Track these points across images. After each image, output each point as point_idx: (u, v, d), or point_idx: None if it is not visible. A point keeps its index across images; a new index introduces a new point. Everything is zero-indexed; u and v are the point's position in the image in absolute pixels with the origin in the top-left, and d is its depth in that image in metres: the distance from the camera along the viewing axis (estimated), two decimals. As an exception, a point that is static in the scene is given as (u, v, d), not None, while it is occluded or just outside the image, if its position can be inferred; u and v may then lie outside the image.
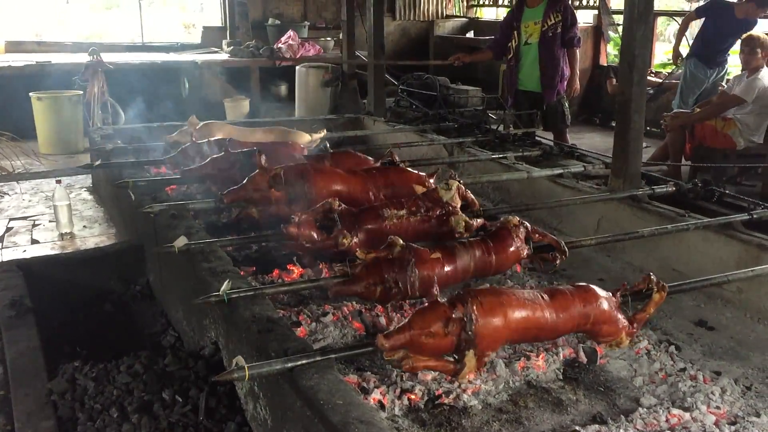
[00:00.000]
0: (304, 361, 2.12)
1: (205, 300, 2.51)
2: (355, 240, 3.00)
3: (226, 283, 2.48)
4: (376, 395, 2.48)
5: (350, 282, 2.69)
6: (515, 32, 6.24)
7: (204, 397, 2.48)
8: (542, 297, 2.48)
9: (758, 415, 2.48)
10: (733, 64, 7.43)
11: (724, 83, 6.94)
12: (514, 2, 6.48)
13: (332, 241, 3.01)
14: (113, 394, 2.53)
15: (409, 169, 3.72)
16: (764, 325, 3.28)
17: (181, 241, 2.66)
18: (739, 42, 6.25)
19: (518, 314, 2.36)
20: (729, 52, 7.06)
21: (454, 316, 2.25)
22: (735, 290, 3.42)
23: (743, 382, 2.75)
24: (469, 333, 2.26)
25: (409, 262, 2.68)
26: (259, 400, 2.36)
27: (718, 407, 2.51)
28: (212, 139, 4.46)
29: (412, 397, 2.53)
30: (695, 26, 7.75)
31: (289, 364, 2.10)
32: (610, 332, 2.57)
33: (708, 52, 6.91)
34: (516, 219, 2.94)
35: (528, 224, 2.95)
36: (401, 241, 2.70)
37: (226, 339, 2.67)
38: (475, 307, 2.28)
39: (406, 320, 2.29)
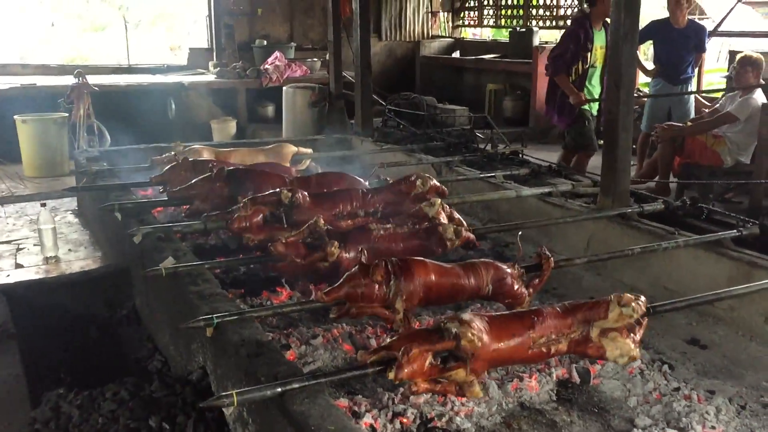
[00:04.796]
0: (294, 386, 2.07)
1: (191, 324, 2.46)
2: (346, 255, 2.98)
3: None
4: (368, 419, 2.44)
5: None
6: (588, 54, 6.21)
7: (192, 424, 2.42)
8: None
9: (753, 435, 2.45)
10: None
11: (692, 99, 6.99)
12: (576, 24, 6.36)
13: (321, 254, 2.98)
14: (98, 422, 2.47)
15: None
16: (756, 343, 3.27)
17: (168, 262, 2.61)
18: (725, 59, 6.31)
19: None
20: (692, 68, 7.07)
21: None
22: (727, 308, 3.41)
23: (737, 401, 2.73)
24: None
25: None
26: (248, 426, 2.31)
27: (713, 427, 2.49)
28: (197, 159, 4.45)
29: (405, 420, 2.48)
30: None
31: (279, 389, 2.06)
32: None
33: (668, 71, 6.95)
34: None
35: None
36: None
37: (214, 364, 2.62)
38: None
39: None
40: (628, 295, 2.42)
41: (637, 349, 2.40)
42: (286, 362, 2.37)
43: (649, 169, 6.58)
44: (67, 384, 2.84)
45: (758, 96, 5.89)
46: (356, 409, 2.49)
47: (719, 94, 6.82)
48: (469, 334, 2.16)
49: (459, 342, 2.17)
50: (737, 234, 3.66)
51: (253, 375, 2.23)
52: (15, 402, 2.64)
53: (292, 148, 5.10)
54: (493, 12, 12.05)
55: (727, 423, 2.53)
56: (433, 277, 2.69)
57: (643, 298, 2.45)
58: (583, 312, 2.42)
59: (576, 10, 10.17)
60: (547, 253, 2.94)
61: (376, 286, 2.58)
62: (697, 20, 7.17)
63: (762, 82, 5.97)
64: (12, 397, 2.66)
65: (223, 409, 2.51)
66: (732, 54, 6.27)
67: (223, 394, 2.00)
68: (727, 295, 3.03)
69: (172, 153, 4.71)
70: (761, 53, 6.20)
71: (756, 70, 5.94)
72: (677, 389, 2.75)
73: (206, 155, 4.59)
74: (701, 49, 7.01)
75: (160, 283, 3.21)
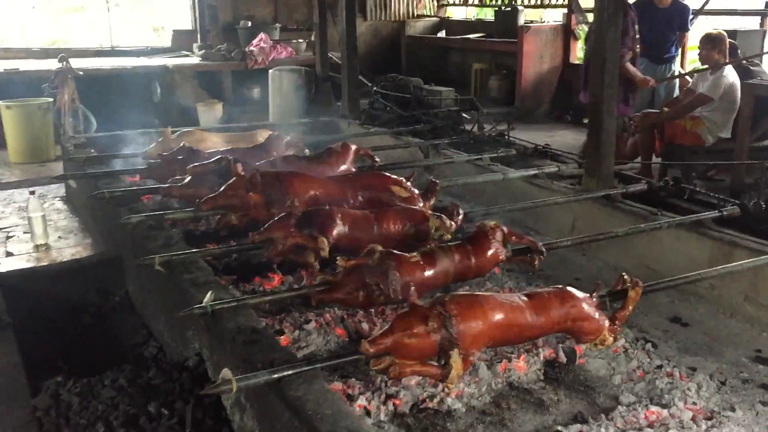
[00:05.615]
0: (290, 372, 2.14)
1: (188, 312, 2.51)
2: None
3: (208, 294, 2.49)
4: (362, 401, 2.51)
5: (332, 290, 2.72)
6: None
7: (190, 409, 2.49)
8: (520, 298, 2.54)
9: (733, 410, 2.56)
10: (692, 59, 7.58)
11: (676, 78, 7.06)
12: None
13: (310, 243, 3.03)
14: (98, 409, 2.53)
15: (385, 173, 3.75)
16: (736, 321, 3.38)
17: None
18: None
19: (497, 313, 2.40)
20: (675, 48, 7.14)
21: (434, 313, 2.31)
22: (708, 286, 3.51)
23: (718, 377, 2.83)
24: (450, 331, 2.30)
25: (389, 266, 2.71)
26: (246, 411, 2.37)
27: (694, 403, 2.59)
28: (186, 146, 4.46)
29: (397, 402, 2.56)
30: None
31: (276, 375, 2.12)
32: (591, 330, 2.62)
33: (652, 51, 6.99)
34: (492, 223, 2.98)
35: (504, 227, 3.00)
36: (380, 248, 2.73)
37: (210, 351, 2.68)
38: (453, 306, 2.33)
39: (388, 325, 2.32)
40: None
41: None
42: (282, 349, 2.44)
43: (633, 149, 6.66)
44: (65, 372, 2.89)
45: (729, 73, 5.95)
46: (350, 392, 2.56)
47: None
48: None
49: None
50: (718, 214, 3.75)
51: (250, 362, 2.29)
52: (15, 390, 2.68)
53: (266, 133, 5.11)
54: (478, -9, 12.02)
55: (708, 399, 2.63)
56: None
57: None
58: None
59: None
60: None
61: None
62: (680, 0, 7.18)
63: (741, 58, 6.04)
64: (12, 386, 2.70)
65: (222, 395, 2.58)
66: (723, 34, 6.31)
67: (222, 380, 2.05)
68: (708, 276, 3.11)
69: (161, 139, 4.72)
70: (750, 31, 6.26)
71: (719, 47, 5.99)
72: (660, 367, 2.84)
73: (200, 142, 4.59)
74: (685, 28, 7.08)
75: (153, 272, 3.26)
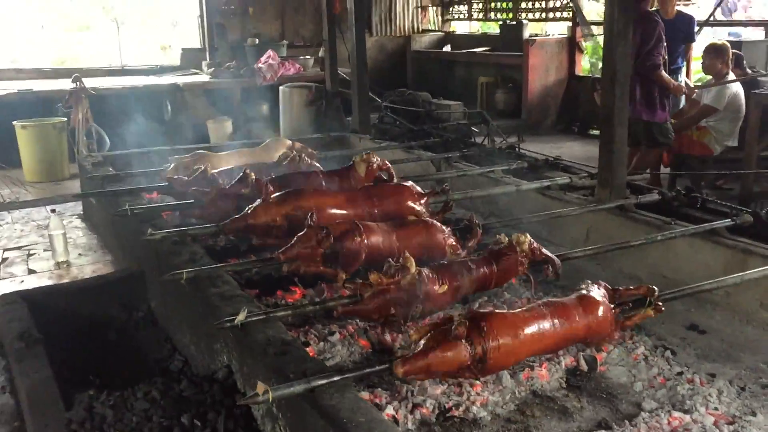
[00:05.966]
0: (323, 381, 2.20)
1: (220, 324, 2.58)
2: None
3: (243, 312, 2.56)
4: (389, 411, 2.57)
5: (358, 304, 2.78)
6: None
7: (222, 420, 2.54)
8: (545, 311, 2.59)
9: (754, 414, 2.60)
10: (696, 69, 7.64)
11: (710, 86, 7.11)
12: (654, 19, 6.26)
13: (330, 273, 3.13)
14: (132, 421, 2.59)
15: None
16: (753, 327, 3.42)
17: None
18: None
19: (529, 331, 2.48)
20: (681, 59, 7.20)
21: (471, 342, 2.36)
22: (723, 294, 3.55)
23: (737, 383, 2.87)
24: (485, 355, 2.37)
25: (417, 297, 2.77)
26: (278, 421, 2.43)
27: (716, 408, 2.64)
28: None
29: (424, 411, 2.62)
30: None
31: (310, 385, 2.18)
32: (600, 340, 2.75)
33: None
34: (526, 238, 3.04)
35: (534, 243, 3.06)
36: (414, 266, 2.78)
37: (239, 362, 2.74)
38: (491, 334, 2.39)
39: (421, 346, 2.37)
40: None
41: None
42: (312, 359, 2.50)
43: (640, 161, 6.72)
44: (96, 385, 2.95)
45: (731, 83, 6.04)
46: (377, 401, 2.61)
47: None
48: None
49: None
50: (731, 223, 3.80)
51: (282, 372, 2.35)
52: (49, 404, 2.74)
53: (287, 141, 5.20)
54: (482, 5, 12.14)
55: (729, 404, 2.68)
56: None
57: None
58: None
59: (565, 2, 10.27)
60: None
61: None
62: (684, 11, 7.27)
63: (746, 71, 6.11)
64: (46, 400, 2.76)
65: (252, 406, 2.63)
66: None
67: (258, 391, 2.11)
68: (725, 284, 3.17)
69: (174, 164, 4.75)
70: (755, 41, 6.34)
71: (722, 57, 6.07)
72: (680, 373, 2.89)
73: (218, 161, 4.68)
74: (691, 39, 7.15)
75: (178, 286, 3.32)
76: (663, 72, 6.09)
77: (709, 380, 2.85)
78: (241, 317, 2.51)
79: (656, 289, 2.77)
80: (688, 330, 3.42)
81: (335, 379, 2.22)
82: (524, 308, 2.60)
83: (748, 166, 5.64)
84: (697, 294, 3.42)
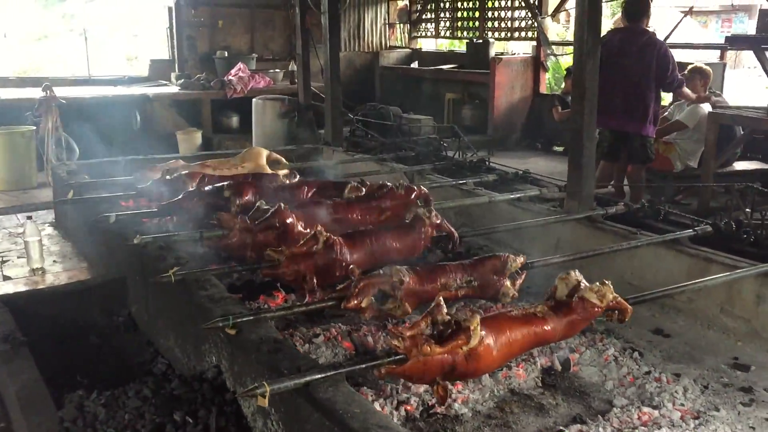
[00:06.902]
0: (318, 375, 2.29)
1: (212, 325, 2.66)
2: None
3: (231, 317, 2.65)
4: (376, 407, 2.67)
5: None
6: None
7: (214, 417, 2.62)
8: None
9: (718, 410, 2.78)
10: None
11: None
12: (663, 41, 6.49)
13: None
14: (125, 419, 2.64)
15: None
16: (713, 331, 3.63)
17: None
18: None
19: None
20: None
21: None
22: (686, 300, 3.76)
23: (701, 381, 3.06)
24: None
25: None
26: (270, 416, 2.51)
27: (682, 404, 2.81)
28: (183, 173, 4.60)
29: (408, 408, 2.74)
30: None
31: (305, 379, 2.28)
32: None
33: None
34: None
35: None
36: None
37: (230, 362, 2.82)
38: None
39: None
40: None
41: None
42: (305, 356, 2.60)
43: (605, 173, 6.97)
44: (85, 386, 3.00)
45: (705, 105, 6.35)
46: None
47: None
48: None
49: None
50: (693, 233, 4.02)
51: (276, 369, 2.44)
52: (40, 403, 2.78)
53: (264, 151, 5.27)
54: (450, 24, 12.41)
55: (694, 400, 2.86)
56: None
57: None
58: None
59: (530, 22, 10.57)
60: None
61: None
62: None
63: (713, 95, 6.45)
64: (37, 399, 2.80)
65: (241, 402, 2.72)
66: (680, 65, 6.70)
67: (256, 385, 2.19)
68: (688, 288, 3.36)
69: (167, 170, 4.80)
70: (712, 63, 6.70)
71: (704, 80, 6.42)
72: (648, 373, 3.06)
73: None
74: None
75: (165, 290, 3.39)
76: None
77: (674, 379, 3.03)
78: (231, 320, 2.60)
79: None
80: (654, 334, 3.61)
81: (330, 373, 2.32)
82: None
83: (706, 182, 5.91)
84: (661, 299, 3.62)
